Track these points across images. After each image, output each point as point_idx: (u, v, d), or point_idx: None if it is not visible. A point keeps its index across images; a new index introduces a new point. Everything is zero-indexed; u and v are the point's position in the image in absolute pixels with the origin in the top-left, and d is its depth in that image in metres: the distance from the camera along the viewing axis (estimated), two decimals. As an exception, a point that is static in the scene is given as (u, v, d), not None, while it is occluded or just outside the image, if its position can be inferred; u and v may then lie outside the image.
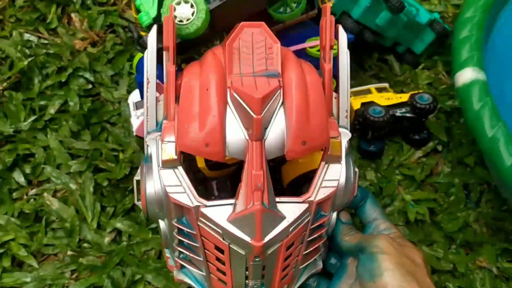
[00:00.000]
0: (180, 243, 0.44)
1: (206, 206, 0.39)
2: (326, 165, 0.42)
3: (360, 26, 0.63)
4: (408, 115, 0.63)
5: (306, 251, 0.45)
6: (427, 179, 0.64)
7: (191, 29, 0.46)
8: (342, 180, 0.43)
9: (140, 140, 0.63)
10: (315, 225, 0.43)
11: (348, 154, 0.44)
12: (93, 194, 0.59)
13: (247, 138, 0.38)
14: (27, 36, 0.73)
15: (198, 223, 0.40)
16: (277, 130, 0.38)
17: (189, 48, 0.53)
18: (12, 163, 0.62)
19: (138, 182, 0.43)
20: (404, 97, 0.65)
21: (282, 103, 0.39)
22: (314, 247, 0.46)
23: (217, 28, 0.51)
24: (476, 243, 0.59)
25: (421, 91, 0.66)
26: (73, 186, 0.60)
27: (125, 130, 0.66)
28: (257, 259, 0.39)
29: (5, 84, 0.68)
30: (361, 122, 0.63)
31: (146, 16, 0.47)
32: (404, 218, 0.60)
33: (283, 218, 0.39)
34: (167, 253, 0.47)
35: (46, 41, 0.73)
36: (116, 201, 0.60)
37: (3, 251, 0.56)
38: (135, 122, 0.61)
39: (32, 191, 0.61)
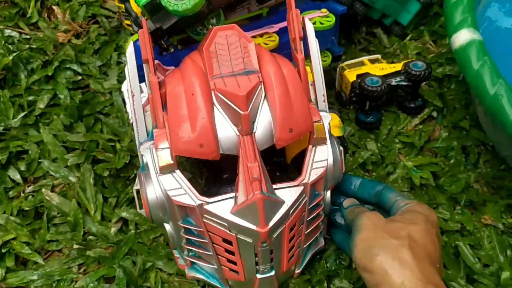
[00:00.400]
0: (188, 241, 0.45)
1: (208, 203, 0.41)
2: (314, 148, 0.45)
3: (351, -1, 0.64)
4: (403, 83, 0.64)
5: (308, 231, 0.47)
6: (426, 145, 0.64)
7: (189, 5, 0.45)
8: (330, 159, 0.46)
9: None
10: (312, 205, 0.46)
11: (331, 135, 0.47)
12: (93, 186, 0.58)
13: (238, 134, 0.40)
14: (7, 32, 0.70)
15: (204, 220, 0.42)
16: (264, 123, 0.41)
17: (184, 27, 0.52)
18: (5, 161, 0.60)
19: (138, 191, 0.44)
20: (398, 66, 0.65)
21: (265, 96, 0.41)
22: (314, 226, 0.48)
23: (213, 5, 0.51)
24: (479, 202, 0.60)
25: (413, 59, 0.67)
26: (73, 179, 0.58)
27: (119, 120, 0.64)
28: (264, 245, 0.42)
29: (-11, 82, 0.66)
30: (358, 93, 0.64)
31: None
32: (408, 184, 0.61)
33: (282, 202, 0.42)
34: (175, 253, 0.49)
35: (28, 36, 0.71)
36: (118, 191, 0.59)
37: (6, 251, 0.54)
38: (131, 110, 0.60)
39: (29, 188, 0.59)
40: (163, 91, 0.44)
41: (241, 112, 0.39)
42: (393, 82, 0.64)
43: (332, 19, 0.57)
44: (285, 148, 0.53)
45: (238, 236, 0.41)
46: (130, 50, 0.45)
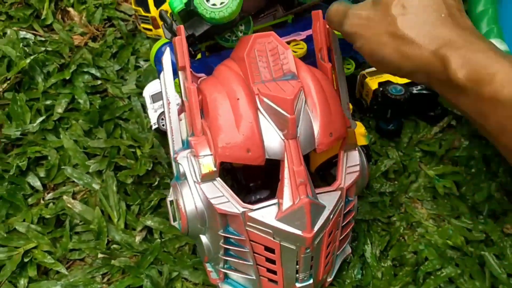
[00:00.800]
0: (226, 252, 0.45)
1: (252, 210, 0.41)
2: (345, 154, 0.46)
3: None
4: (424, 91, 0.64)
5: (341, 237, 0.48)
6: (447, 154, 0.65)
7: (226, 12, 0.45)
8: (361, 164, 0.47)
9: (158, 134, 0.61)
10: (346, 210, 0.46)
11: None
12: (116, 193, 0.57)
13: (283, 138, 0.40)
14: (22, 34, 0.69)
15: (247, 228, 0.41)
16: (305, 127, 0.41)
17: (214, 34, 0.52)
18: (22, 167, 0.58)
19: (172, 202, 0.44)
20: (419, 75, 0.65)
21: (305, 101, 0.42)
22: (346, 232, 0.48)
23: (243, 12, 0.50)
24: (500, 212, 0.60)
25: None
26: (96, 186, 0.57)
27: (139, 126, 0.64)
28: (307, 251, 0.42)
29: (5, 85, 0.64)
30: (380, 101, 0.64)
31: (177, 2, 0.45)
32: (431, 193, 0.61)
33: (324, 207, 0.42)
34: (208, 267, 0.48)
35: (43, 38, 0.69)
36: (140, 198, 0.58)
37: (28, 260, 0.53)
38: (152, 116, 0.59)
39: (49, 195, 0.58)
40: (199, 98, 0.43)
41: (288, 115, 0.39)
42: (414, 90, 0.64)
43: None
44: (310, 156, 0.53)
45: (281, 243, 0.41)
46: (166, 56, 0.44)
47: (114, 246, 0.55)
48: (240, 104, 0.40)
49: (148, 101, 0.60)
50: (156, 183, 0.58)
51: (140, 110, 0.64)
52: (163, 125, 0.58)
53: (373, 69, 0.67)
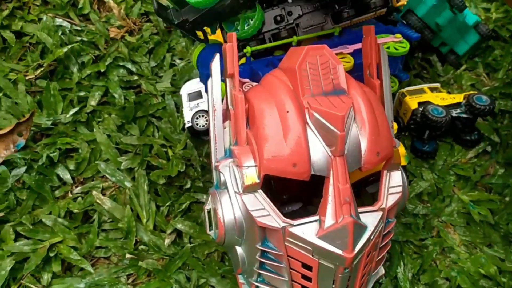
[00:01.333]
0: (262, 266, 0.43)
1: (293, 225, 0.39)
2: (388, 173, 0.45)
3: (423, 24, 0.63)
4: (463, 115, 0.63)
5: (378, 258, 0.46)
6: (481, 180, 0.64)
7: None
8: (404, 184, 0.45)
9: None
10: (385, 232, 0.45)
11: None
12: (147, 193, 0.55)
13: (330, 154, 0.39)
14: (58, 21, 0.67)
15: (286, 243, 0.40)
16: (353, 145, 0.40)
17: (213, 21, 0.52)
18: (52, 158, 0.57)
19: (209, 211, 0.43)
20: (458, 98, 0.64)
21: (354, 118, 0.41)
22: (383, 253, 0.47)
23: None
24: (533, 244, 0.59)
25: (475, 92, 0.66)
26: (128, 184, 0.56)
27: (171, 125, 0.62)
28: (346, 271, 0.40)
29: (38, 72, 0.63)
30: (418, 121, 0.62)
31: None
32: (464, 219, 0.60)
33: (366, 227, 0.41)
34: (240, 279, 0.47)
35: (78, 28, 0.68)
36: (170, 200, 0.56)
37: (53, 255, 0.51)
38: (187, 114, 0.58)
39: (77, 189, 0.56)
40: (246, 107, 0.42)
41: (338, 132, 0.38)
42: (454, 113, 0.63)
43: (406, 45, 0.56)
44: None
45: (320, 261, 0.40)
46: (216, 62, 0.43)
47: (142, 247, 0.53)
48: (289, 116, 0.39)
49: (184, 99, 0.59)
50: (189, 185, 0.57)
51: (173, 109, 0.63)
52: (197, 124, 0.57)
53: (413, 87, 0.66)
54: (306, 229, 0.39)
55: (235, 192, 0.41)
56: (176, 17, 0.52)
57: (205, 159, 0.59)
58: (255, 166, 0.40)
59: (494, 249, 0.58)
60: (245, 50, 0.52)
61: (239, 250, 0.43)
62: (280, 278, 0.43)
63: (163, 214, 0.55)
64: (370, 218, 0.42)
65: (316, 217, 0.40)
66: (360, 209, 0.41)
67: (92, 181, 0.57)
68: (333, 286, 0.42)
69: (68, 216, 0.55)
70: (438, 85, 0.68)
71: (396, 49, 0.57)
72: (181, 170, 0.58)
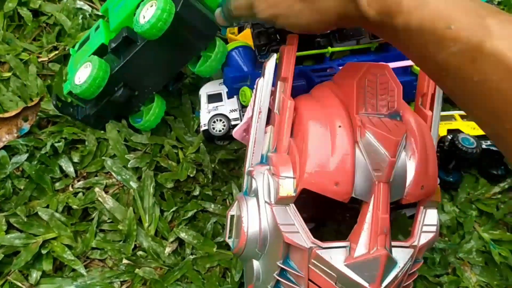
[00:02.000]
0: (277, 285, 0.40)
1: (321, 248, 0.37)
2: (425, 210, 0.42)
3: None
4: (493, 148, 0.60)
5: None
6: (505, 218, 0.60)
7: (80, 88, 0.49)
8: (438, 225, 0.43)
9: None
10: (412, 271, 0.42)
11: None
12: (153, 196, 0.52)
13: (375, 179, 0.37)
14: (79, 3, 0.64)
15: (310, 265, 0.37)
16: (399, 174, 0.38)
17: (118, 111, 0.56)
18: (57, 148, 0.54)
19: (233, 217, 0.40)
20: (489, 129, 0.61)
21: (404, 146, 0.38)
22: None
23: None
24: (553, 293, 0.55)
25: (508, 124, 0.62)
26: (133, 184, 0.52)
27: (185, 126, 0.59)
28: None
29: (52, 55, 0.60)
30: (446, 150, 0.59)
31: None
32: (483, 258, 0.56)
33: (396, 263, 0.38)
34: None
35: (99, 13, 0.65)
36: (176, 206, 0.53)
37: (45, 252, 0.48)
38: (204, 116, 0.54)
39: (78, 184, 0.53)
40: (293, 114, 0.40)
41: (389, 157, 0.36)
42: (484, 145, 0.60)
43: None
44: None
45: None
46: (271, 63, 0.40)
47: (141, 253, 0.50)
48: (339, 131, 0.37)
49: (203, 100, 0.55)
50: (197, 192, 0.54)
51: (189, 109, 0.60)
52: (213, 128, 0.53)
53: (444, 113, 0.63)
54: (335, 254, 0.37)
55: (266, 202, 0.38)
56: (80, 113, 0.53)
57: (217, 166, 0.55)
58: (293, 178, 0.37)
59: (511, 294, 0.54)
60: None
61: (256, 264, 0.40)
62: None
63: (167, 220, 0.52)
64: (401, 254, 0.39)
65: (346, 243, 0.37)
66: (392, 243, 0.38)
67: (96, 176, 0.54)
68: None
69: (66, 212, 0.52)
70: (468, 113, 0.64)
71: None
72: (191, 175, 0.54)
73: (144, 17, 0.48)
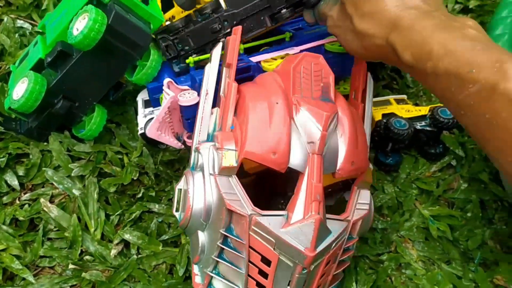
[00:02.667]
0: (220, 255, 0.43)
1: (260, 215, 0.40)
2: (358, 190, 0.47)
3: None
4: (428, 128, 0.62)
5: (335, 272, 0.46)
6: (444, 194, 0.62)
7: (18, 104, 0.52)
8: (371, 205, 0.47)
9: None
10: (347, 246, 0.46)
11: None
12: (97, 201, 0.54)
13: (309, 151, 0.40)
14: (20, 23, 0.66)
15: (250, 232, 0.40)
16: (332, 149, 0.42)
17: (60, 122, 0.58)
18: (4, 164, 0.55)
19: (180, 191, 0.43)
20: (423, 110, 0.63)
21: (336, 126, 0.43)
22: (340, 269, 0.47)
23: None
24: (492, 261, 0.58)
25: (440, 104, 0.65)
26: (76, 192, 0.54)
27: (129, 132, 0.61)
28: (303, 272, 0.40)
29: (-6, 74, 0.61)
30: (381, 133, 0.61)
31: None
32: (423, 234, 0.59)
33: (330, 232, 0.41)
34: (195, 270, 0.46)
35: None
36: (122, 209, 0.55)
37: (-6, 263, 0.50)
38: (141, 121, 0.56)
39: (25, 196, 0.55)
40: (237, 96, 0.44)
41: (321, 130, 0.40)
42: (418, 126, 0.62)
43: None
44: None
45: (280, 256, 0.40)
46: (217, 50, 0.45)
47: (87, 257, 0.52)
48: (277, 107, 0.41)
49: (140, 105, 0.57)
50: (140, 194, 0.56)
51: (132, 115, 0.62)
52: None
53: (378, 99, 0.65)
54: (273, 221, 0.40)
55: (210, 174, 0.42)
56: (23, 127, 0.55)
57: (160, 167, 0.58)
58: (235, 150, 0.41)
59: (452, 266, 0.57)
60: (187, 61, 0.52)
61: (201, 235, 0.44)
62: (237, 270, 0.42)
63: (113, 224, 0.54)
64: (335, 226, 0.42)
65: (284, 212, 0.40)
66: (327, 215, 0.42)
67: (43, 187, 0.56)
68: (288, 287, 0.41)
69: (14, 224, 0.53)
70: (404, 96, 0.67)
71: None
72: (134, 178, 0.56)
73: (77, 29, 0.50)
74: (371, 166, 0.50)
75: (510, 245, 0.59)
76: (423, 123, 0.62)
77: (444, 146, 0.65)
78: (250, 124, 0.41)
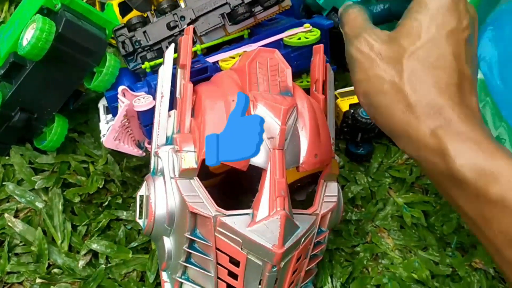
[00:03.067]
0: (188, 260, 0.43)
1: (225, 215, 0.39)
2: (325, 183, 0.46)
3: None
4: (396, 115, 0.62)
5: (308, 267, 0.46)
6: (417, 181, 0.62)
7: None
8: (339, 196, 0.47)
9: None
10: (317, 239, 0.45)
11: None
12: (62, 213, 0.53)
13: (270, 147, 0.39)
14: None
15: (216, 233, 0.39)
16: (293, 143, 0.41)
17: (20, 134, 0.56)
18: (-36, 180, 0.54)
19: (142, 197, 0.42)
20: (391, 97, 0.63)
21: (296, 120, 0.42)
22: (313, 264, 0.47)
23: None
24: (469, 245, 0.57)
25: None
26: (39, 204, 0.53)
27: (94, 140, 0.60)
28: (274, 269, 0.40)
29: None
30: (350, 124, 0.61)
31: None
32: (398, 223, 0.58)
33: (298, 227, 0.41)
34: (164, 277, 0.45)
35: None
36: (89, 218, 0.54)
37: (-42, 284, 0.49)
38: (103, 127, 0.55)
39: (-11, 212, 0.54)
40: (193, 97, 0.43)
41: (280, 125, 0.39)
42: (386, 114, 0.62)
43: (317, 33, 0.54)
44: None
45: (248, 256, 0.39)
46: (170, 51, 0.44)
47: (55, 270, 0.51)
48: (233, 105, 0.40)
49: (101, 111, 0.57)
50: (107, 202, 0.55)
51: (97, 123, 0.60)
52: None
53: (346, 89, 0.65)
54: (238, 220, 0.39)
55: (171, 177, 0.41)
56: None
57: (126, 173, 0.57)
58: (194, 151, 0.40)
59: (429, 252, 0.56)
60: (143, 66, 0.51)
61: (167, 241, 0.43)
62: (206, 273, 0.41)
63: (80, 234, 0.53)
64: (303, 220, 0.42)
65: (249, 211, 0.39)
66: (294, 210, 0.41)
67: (7, 202, 0.55)
68: (259, 287, 0.41)
69: (-21, 241, 0.52)
70: (371, 85, 0.66)
71: (306, 38, 0.54)
72: (100, 186, 0.55)
73: (27, 39, 0.49)
74: (337, 157, 0.49)
75: (487, 227, 0.59)
76: (392, 111, 0.62)
77: (415, 132, 0.65)
78: (207, 124, 0.40)
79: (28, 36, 0.49)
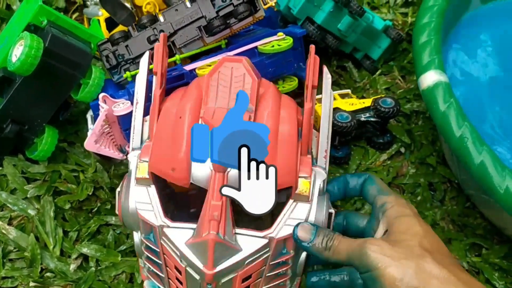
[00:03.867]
0: (148, 257, 0.44)
1: (169, 226, 0.40)
2: (294, 203, 0.42)
3: (323, 32, 0.65)
4: (372, 119, 0.65)
5: (267, 286, 0.44)
6: (394, 181, 0.65)
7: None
8: (311, 219, 0.41)
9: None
10: (276, 262, 0.42)
11: (324, 194, 0.44)
12: (54, 219, 0.55)
13: (211, 168, 0.39)
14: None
15: (161, 241, 0.41)
16: None
17: (11, 145, 0.59)
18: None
19: (119, 193, 0.44)
20: (367, 102, 0.66)
21: None
22: (275, 283, 0.44)
23: None
24: (445, 240, 0.60)
25: (383, 95, 0.68)
26: (31, 212, 0.56)
27: (84, 150, 0.62)
28: (209, 286, 0.40)
29: None
30: (327, 128, 0.64)
31: None
32: (376, 221, 0.61)
33: (238, 250, 0.40)
34: (141, 262, 0.47)
35: None
36: (79, 224, 0.56)
37: (-45, 289, 0.51)
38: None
39: (-16, 221, 0.56)
40: (161, 106, 0.44)
41: None
42: (363, 117, 0.65)
43: (289, 40, 0.57)
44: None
45: (187, 269, 0.40)
46: (145, 58, 0.45)
47: (48, 274, 0.53)
48: (179, 122, 0.40)
49: (89, 122, 0.59)
50: (96, 208, 0.57)
51: (86, 133, 0.63)
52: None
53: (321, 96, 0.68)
54: (180, 234, 0.40)
55: (132, 182, 0.42)
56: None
57: (114, 180, 0.59)
58: (147, 162, 0.42)
59: (405, 249, 0.59)
60: (125, 76, 0.54)
61: (135, 236, 0.44)
62: (159, 273, 0.43)
63: (72, 240, 0.55)
64: (249, 243, 0.40)
65: (194, 225, 0.40)
66: (242, 231, 0.40)
67: (1, 211, 0.57)
68: None
69: (-26, 249, 0.55)
70: (348, 91, 0.70)
71: (279, 45, 0.57)
72: (90, 193, 0.58)
73: (16, 56, 0.51)
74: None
75: (462, 223, 0.62)
76: (368, 115, 0.65)
77: (391, 134, 0.68)
78: (155, 137, 0.42)
79: (17, 52, 0.51)
